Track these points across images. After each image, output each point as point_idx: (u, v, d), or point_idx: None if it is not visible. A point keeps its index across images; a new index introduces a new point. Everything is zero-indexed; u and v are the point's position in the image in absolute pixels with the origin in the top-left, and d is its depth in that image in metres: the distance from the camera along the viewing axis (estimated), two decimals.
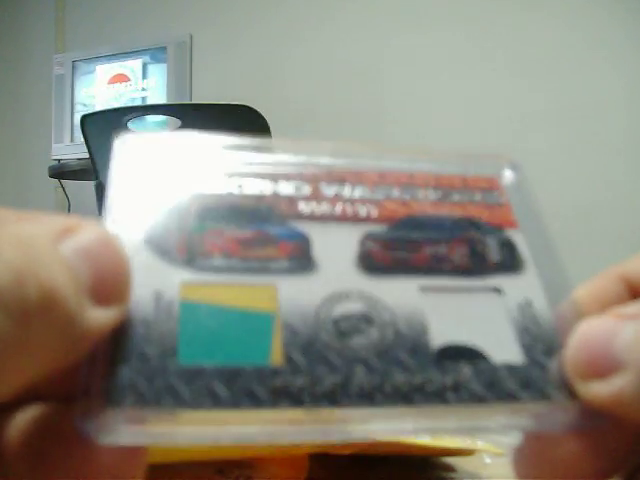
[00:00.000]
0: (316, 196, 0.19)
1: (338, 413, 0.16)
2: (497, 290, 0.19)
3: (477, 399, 0.17)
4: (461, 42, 1.91)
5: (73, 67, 2.20)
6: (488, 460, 0.36)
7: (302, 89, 2.05)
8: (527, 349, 0.18)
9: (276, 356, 0.16)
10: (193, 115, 1.32)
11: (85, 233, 0.15)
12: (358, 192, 0.20)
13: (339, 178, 0.20)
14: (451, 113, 1.87)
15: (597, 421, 0.16)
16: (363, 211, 0.20)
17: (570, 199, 1.79)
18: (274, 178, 0.20)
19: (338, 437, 0.16)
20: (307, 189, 0.20)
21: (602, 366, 0.16)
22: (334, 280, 0.18)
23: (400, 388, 0.16)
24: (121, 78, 2.15)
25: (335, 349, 0.16)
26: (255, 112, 1.23)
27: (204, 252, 0.17)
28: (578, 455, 0.16)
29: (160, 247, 0.17)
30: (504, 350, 0.18)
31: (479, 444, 0.37)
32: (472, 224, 0.20)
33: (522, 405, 0.17)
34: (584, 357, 0.16)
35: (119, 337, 0.15)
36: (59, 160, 2.11)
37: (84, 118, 1.37)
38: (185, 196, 0.18)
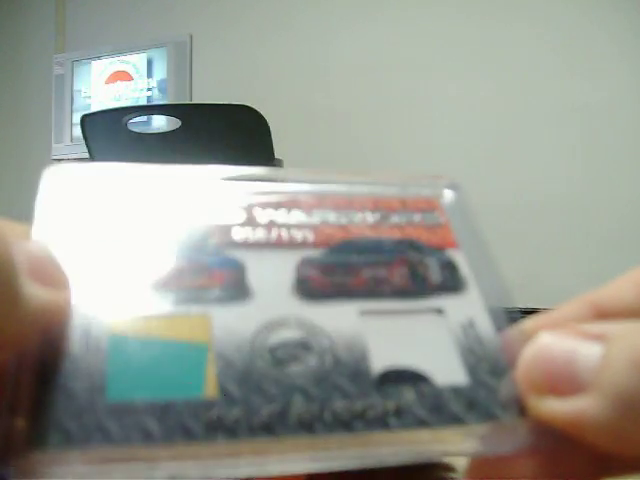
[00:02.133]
0: (250, 222, 0.19)
1: (276, 444, 0.15)
2: (439, 311, 0.19)
3: (421, 423, 0.16)
4: (461, 41, 1.91)
5: (73, 67, 2.20)
6: None
7: (302, 89, 2.05)
8: (471, 370, 0.17)
9: (210, 388, 0.16)
10: (193, 115, 1.32)
11: (23, 241, 0.15)
12: (294, 217, 0.20)
13: (274, 203, 0.20)
14: (451, 113, 1.87)
15: (548, 440, 0.16)
16: (299, 236, 0.19)
17: (570, 199, 1.79)
18: (207, 206, 0.19)
19: (275, 469, 0.15)
20: (241, 215, 0.19)
21: (561, 383, 0.15)
22: (270, 307, 0.17)
23: (340, 415, 0.16)
24: (122, 76, 2.15)
25: (271, 378, 0.16)
26: (255, 112, 1.23)
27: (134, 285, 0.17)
28: (531, 474, 0.16)
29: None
30: (448, 372, 0.17)
31: None
32: (411, 245, 0.20)
33: (468, 427, 0.16)
34: (541, 371, 0.16)
35: (45, 372, 0.15)
36: (59, 160, 2.11)
37: (84, 118, 1.37)
38: (114, 230, 0.18)
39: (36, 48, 2.48)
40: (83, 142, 1.39)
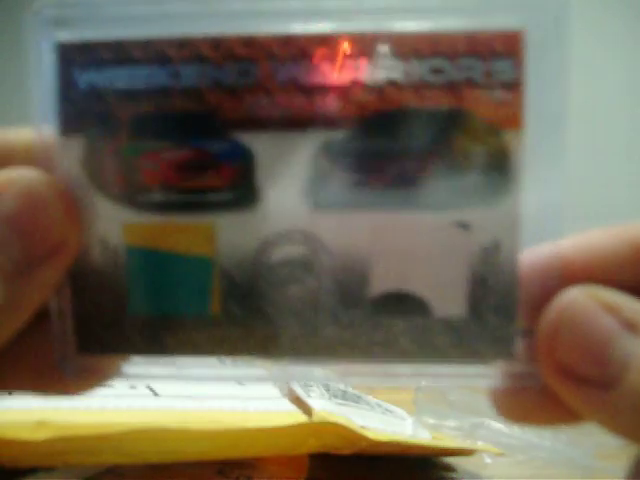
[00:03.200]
0: (266, 83, 0.16)
1: (270, 362, 0.17)
2: (464, 226, 0.16)
3: (404, 355, 0.16)
4: None
5: None
6: (488, 460, 0.36)
7: None
8: (475, 303, 0.16)
9: (214, 305, 0.17)
10: None
11: (7, 198, 0.15)
12: (321, 73, 0.16)
13: (298, 49, 0.16)
14: None
15: (533, 381, 0.16)
16: (323, 106, 0.16)
17: (575, 198, 1.79)
18: (217, 59, 0.16)
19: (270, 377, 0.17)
20: (256, 72, 0.16)
21: (587, 367, 0.14)
22: (277, 216, 0.16)
23: (329, 342, 0.16)
24: None
25: (271, 299, 0.17)
26: None
27: (142, 185, 0.16)
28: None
29: (98, 179, 0.16)
30: (449, 302, 0.16)
31: (479, 444, 0.37)
32: (459, 122, 0.16)
33: (448, 362, 0.16)
34: (568, 344, 0.15)
35: (77, 286, 0.17)
36: None
37: None
38: (115, 100, 0.16)
39: None
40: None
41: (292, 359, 0.17)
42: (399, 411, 0.40)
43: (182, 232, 0.17)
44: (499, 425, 0.39)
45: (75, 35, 0.16)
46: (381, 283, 0.16)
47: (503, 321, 0.16)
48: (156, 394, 0.30)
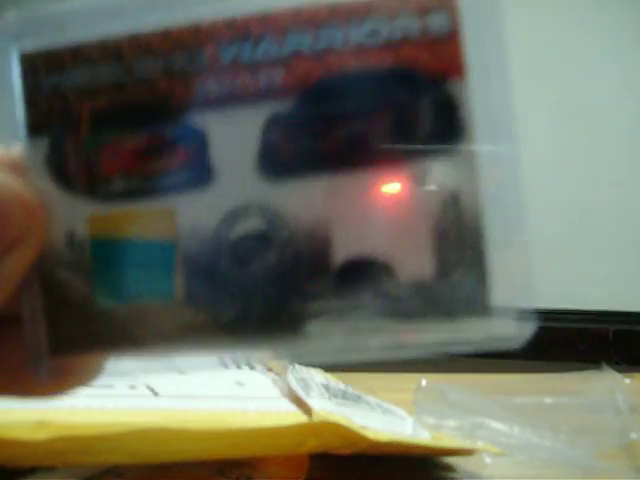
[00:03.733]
0: (213, 64, 0.16)
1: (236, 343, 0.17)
2: (420, 180, 0.16)
3: (375, 318, 0.16)
4: None
5: None
6: (488, 460, 0.36)
7: None
8: (441, 260, 0.15)
9: (179, 291, 0.17)
10: None
11: None
12: (262, 48, 0.16)
13: (242, 29, 0.16)
14: None
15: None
16: (267, 80, 0.16)
17: (572, 200, 1.79)
18: (166, 48, 0.17)
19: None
20: (204, 55, 0.17)
21: None
22: (232, 191, 0.16)
23: (296, 316, 0.16)
24: None
25: (233, 278, 0.16)
26: None
27: (103, 175, 0.17)
28: None
29: (62, 175, 0.17)
30: (414, 263, 0.16)
31: (479, 444, 0.37)
32: (403, 79, 0.16)
33: (422, 323, 0.16)
34: None
35: (46, 283, 0.17)
36: None
37: None
38: (75, 97, 0.17)
39: None
40: None
41: (260, 338, 0.16)
42: (399, 411, 0.40)
43: (144, 218, 0.17)
44: (499, 425, 0.40)
45: (37, 44, 0.17)
46: (344, 250, 0.16)
47: (472, 276, 0.15)
48: (156, 394, 0.30)
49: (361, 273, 0.16)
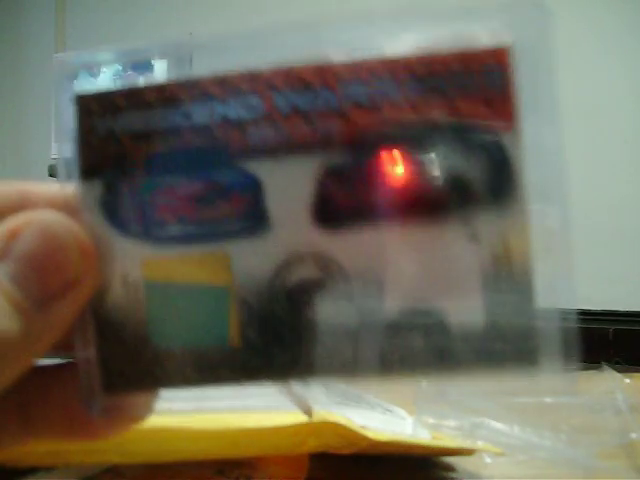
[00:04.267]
0: (270, 114, 0.17)
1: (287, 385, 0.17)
2: (473, 236, 0.16)
3: (424, 370, 0.16)
4: None
5: None
6: (488, 460, 0.36)
7: None
8: (492, 311, 0.16)
9: (233, 335, 0.17)
10: None
11: (25, 237, 0.16)
12: (319, 100, 0.16)
13: (298, 80, 0.16)
14: None
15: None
16: (323, 130, 0.16)
17: (571, 200, 1.79)
18: (223, 95, 0.17)
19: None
20: (259, 105, 0.17)
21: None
22: (287, 240, 0.17)
23: (350, 362, 0.16)
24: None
25: (288, 325, 0.17)
26: None
27: (158, 219, 0.17)
28: None
29: (117, 218, 0.17)
30: (466, 311, 0.16)
31: (479, 444, 0.37)
32: (458, 133, 0.16)
33: (474, 371, 0.16)
34: None
35: (101, 323, 0.17)
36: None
37: None
38: (131, 142, 0.17)
39: (36, 48, 2.48)
40: None
41: (310, 381, 0.17)
42: (399, 411, 0.40)
43: (198, 264, 0.17)
44: (499, 425, 0.39)
45: (92, 86, 0.18)
46: (398, 300, 0.16)
47: (522, 329, 0.16)
48: None
49: (414, 323, 0.16)
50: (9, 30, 2.54)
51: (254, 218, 0.17)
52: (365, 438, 0.30)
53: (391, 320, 0.16)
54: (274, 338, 0.17)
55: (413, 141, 0.16)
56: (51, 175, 2.00)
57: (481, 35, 0.16)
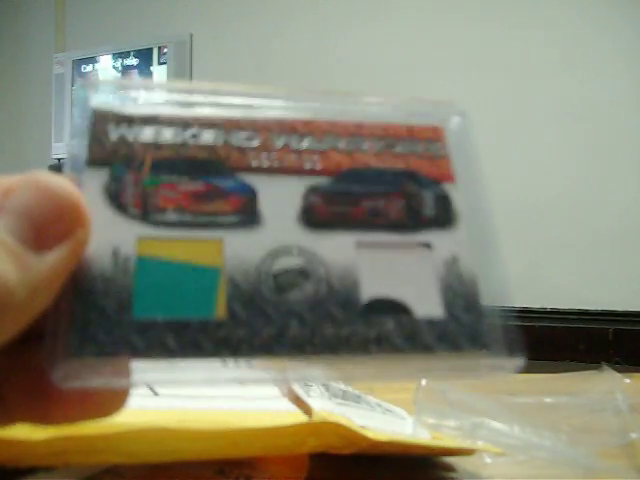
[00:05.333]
0: (266, 147, 0.20)
1: (273, 362, 0.18)
2: (427, 245, 0.20)
3: (396, 350, 0.18)
4: (461, 41, 1.91)
5: (73, 66, 2.20)
6: (488, 460, 0.36)
7: None
8: (448, 304, 0.19)
9: (220, 310, 0.18)
10: None
11: (22, 190, 0.16)
12: (306, 143, 0.21)
13: (290, 128, 0.21)
14: None
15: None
16: (309, 163, 0.21)
17: (570, 199, 1.79)
18: (228, 128, 0.21)
19: (272, 379, 0.19)
20: (258, 139, 0.21)
21: None
22: (277, 235, 0.19)
23: (328, 340, 0.18)
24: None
25: (273, 303, 0.18)
26: None
27: (158, 206, 0.19)
28: None
29: (117, 201, 0.18)
30: (427, 305, 0.19)
31: (479, 444, 0.37)
32: (411, 178, 0.21)
33: (436, 356, 0.19)
34: None
35: (80, 290, 0.17)
36: (59, 159, 2.11)
37: None
38: (141, 147, 0.19)
39: (36, 48, 2.48)
40: None
41: (294, 357, 0.18)
42: (399, 411, 0.40)
43: (193, 245, 0.18)
44: (499, 425, 0.39)
45: (112, 103, 0.20)
46: (369, 290, 0.19)
47: (473, 318, 0.19)
48: (156, 394, 0.30)
49: (384, 309, 0.19)
50: (9, 30, 2.54)
51: (247, 216, 0.19)
52: (365, 438, 0.30)
53: (366, 305, 0.19)
54: (259, 313, 0.18)
55: (377, 178, 0.21)
56: None
57: (423, 120, 0.22)
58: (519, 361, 0.19)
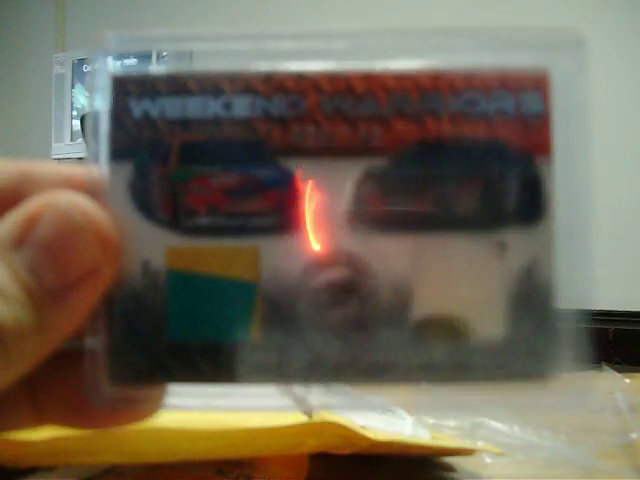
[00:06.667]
0: (313, 116, 0.17)
1: (308, 388, 0.17)
2: (502, 245, 0.16)
3: (446, 380, 0.16)
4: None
5: (73, 66, 2.20)
6: (488, 460, 0.36)
7: None
8: (515, 322, 0.16)
9: (256, 331, 0.16)
10: None
11: (45, 222, 0.15)
12: (365, 106, 0.17)
13: (345, 85, 0.17)
14: None
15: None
16: (366, 137, 0.17)
17: None
18: (268, 91, 0.17)
19: (305, 409, 0.18)
20: (304, 105, 0.17)
21: None
22: (321, 240, 0.17)
23: (371, 366, 0.16)
24: None
25: (313, 324, 0.16)
26: None
27: (189, 209, 0.17)
28: None
29: (144, 203, 0.17)
30: (489, 323, 0.16)
31: (479, 444, 0.37)
32: (494, 151, 0.16)
33: (491, 384, 0.16)
34: None
35: (114, 311, 0.16)
36: (59, 159, 2.11)
37: (84, 117, 1.37)
38: (167, 127, 0.17)
39: (36, 47, 2.48)
40: (83, 141, 1.39)
41: (333, 385, 0.17)
42: (399, 411, 0.40)
43: (226, 256, 0.17)
44: (499, 425, 0.39)
45: (132, 69, 0.17)
46: (423, 305, 0.16)
47: (543, 341, 0.16)
48: None
49: (437, 330, 0.16)
50: (9, 30, 2.54)
51: (287, 215, 0.17)
52: (365, 438, 0.30)
53: (417, 325, 0.16)
54: (297, 336, 0.16)
55: (450, 155, 0.17)
56: None
57: (520, 61, 0.17)
58: (588, 399, 0.16)
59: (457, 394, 0.16)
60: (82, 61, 2.21)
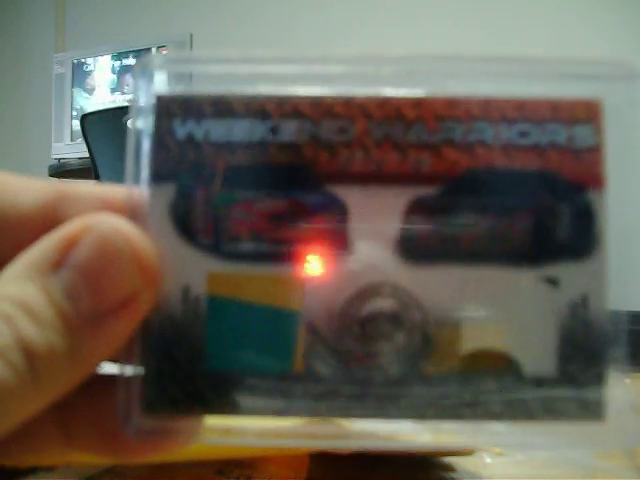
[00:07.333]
0: (362, 142, 0.16)
1: (350, 424, 0.16)
2: (553, 282, 0.16)
3: (493, 417, 0.16)
4: (460, 43, 1.91)
5: (73, 66, 2.20)
6: (488, 460, 0.36)
7: None
8: (564, 360, 0.16)
9: (298, 362, 0.16)
10: None
11: (84, 245, 0.15)
12: (414, 133, 0.16)
13: (394, 111, 0.16)
14: None
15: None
16: (415, 164, 0.16)
17: None
18: (316, 115, 0.16)
19: (345, 445, 0.16)
20: (352, 130, 0.16)
21: None
22: (367, 270, 0.16)
23: (415, 402, 0.16)
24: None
25: (358, 357, 0.16)
26: None
27: (231, 234, 0.16)
28: None
29: (185, 227, 0.16)
30: (538, 360, 0.16)
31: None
32: (546, 182, 0.16)
33: (540, 422, 0.16)
34: None
35: (151, 337, 0.16)
36: (59, 159, 2.11)
37: (84, 117, 1.37)
38: (212, 150, 0.16)
39: (36, 48, 2.48)
40: (83, 141, 1.39)
41: (377, 420, 0.16)
42: None
43: (269, 283, 0.16)
44: (499, 425, 0.39)
45: (177, 89, 0.17)
46: (471, 340, 0.16)
47: (592, 381, 0.16)
48: None
49: (485, 365, 0.16)
50: (9, 30, 2.54)
51: (335, 242, 0.16)
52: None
53: (464, 359, 0.16)
54: (341, 369, 0.16)
55: (501, 185, 0.16)
56: (51, 175, 2.00)
57: (572, 92, 0.16)
58: (635, 434, 0.16)
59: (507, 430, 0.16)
60: (82, 61, 2.21)
